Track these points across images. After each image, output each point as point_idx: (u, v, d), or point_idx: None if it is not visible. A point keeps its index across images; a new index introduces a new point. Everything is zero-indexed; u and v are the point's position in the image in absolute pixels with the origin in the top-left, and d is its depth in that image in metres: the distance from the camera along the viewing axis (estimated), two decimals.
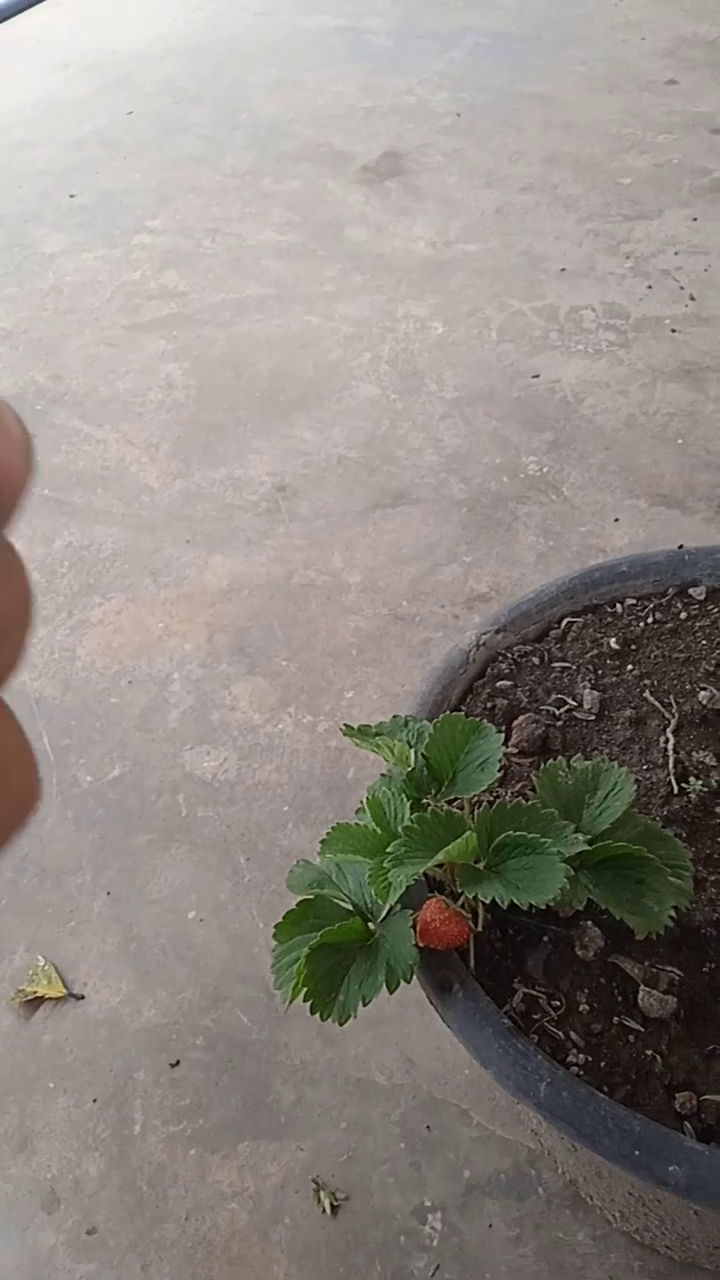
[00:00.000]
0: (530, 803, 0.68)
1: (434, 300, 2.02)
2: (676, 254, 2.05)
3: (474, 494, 1.60)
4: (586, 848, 0.66)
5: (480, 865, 0.66)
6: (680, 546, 0.94)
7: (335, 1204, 0.93)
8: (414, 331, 1.95)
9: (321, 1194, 0.94)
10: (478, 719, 0.73)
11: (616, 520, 1.53)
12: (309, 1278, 0.90)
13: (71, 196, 2.52)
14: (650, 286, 1.98)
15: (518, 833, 0.65)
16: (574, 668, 0.88)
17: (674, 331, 1.87)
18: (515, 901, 0.62)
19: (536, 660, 0.89)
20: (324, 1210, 0.93)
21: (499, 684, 0.87)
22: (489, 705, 0.86)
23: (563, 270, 2.05)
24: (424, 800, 0.71)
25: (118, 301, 2.14)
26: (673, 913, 0.67)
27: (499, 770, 0.71)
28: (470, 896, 0.69)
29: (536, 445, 1.67)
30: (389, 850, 0.65)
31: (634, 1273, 0.88)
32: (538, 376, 1.80)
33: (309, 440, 1.75)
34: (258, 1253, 0.92)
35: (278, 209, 2.37)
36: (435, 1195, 0.94)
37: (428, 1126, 0.98)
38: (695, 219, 2.14)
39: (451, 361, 1.87)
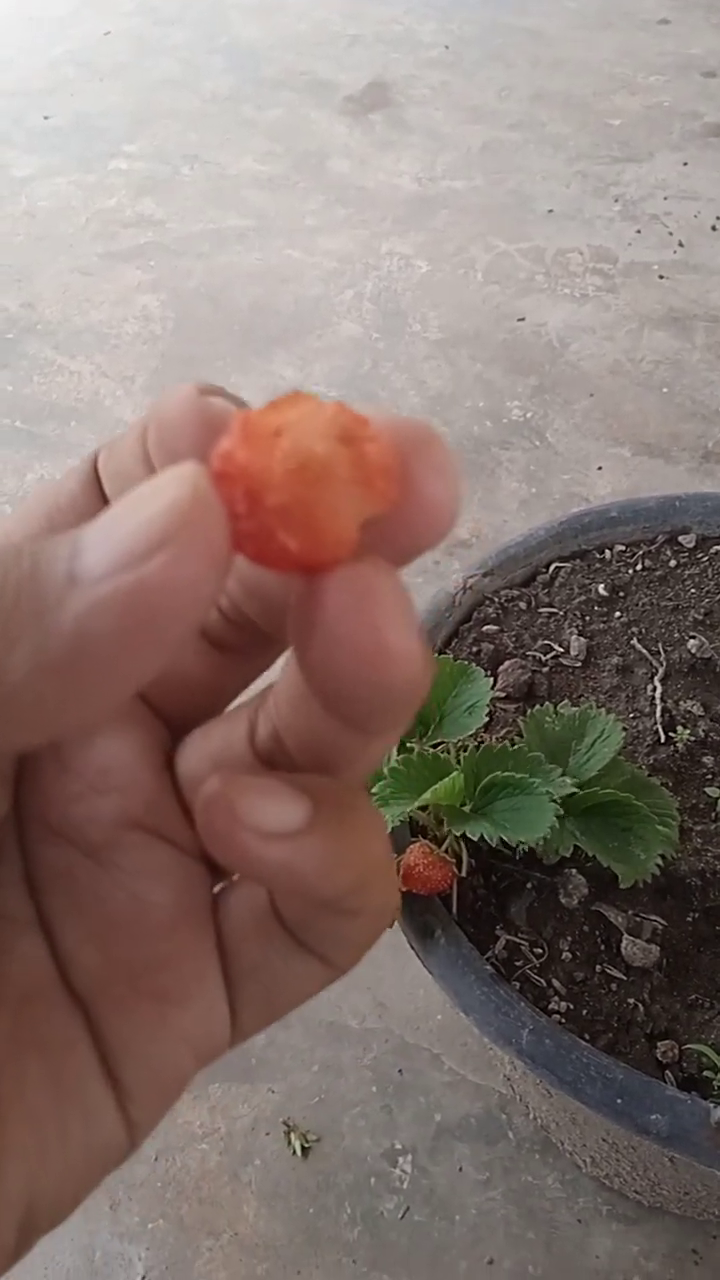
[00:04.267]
0: (517, 746, 0.67)
1: (419, 238, 1.97)
2: (666, 199, 2.01)
3: (457, 438, 1.57)
4: (575, 790, 0.64)
5: (467, 808, 0.65)
6: None
7: (306, 1146, 0.93)
8: (398, 269, 1.90)
9: (292, 1136, 0.93)
10: (465, 662, 0.71)
11: (600, 468, 1.51)
12: (279, 1218, 0.90)
13: (45, 118, 2.43)
14: (639, 231, 1.94)
15: (505, 773, 0.63)
16: (561, 614, 0.86)
17: (662, 278, 1.83)
18: (504, 840, 0.61)
19: (523, 605, 0.87)
20: (295, 1152, 0.93)
21: (485, 628, 0.85)
22: (475, 649, 0.84)
23: (550, 211, 2.01)
24: (409, 743, 0.69)
25: (92, 229, 2.07)
26: (659, 861, 0.66)
27: (485, 715, 0.69)
28: (456, 839, 0.68)
29: (521, 390, 1.64)
30: (374, 791, 0.63)
31: (602, 1217, 0.89)
32: (523, 319, 1.77)
33: (289, 378, 1.71)
34: (228, 1193, 0.92)
35: (258, 138, 2.30)
36: (406, 1138, 0.94)
37: (399, 1070, 0.97)
38: (686, 163, 2.10)
39: (435, 301, 1.82)
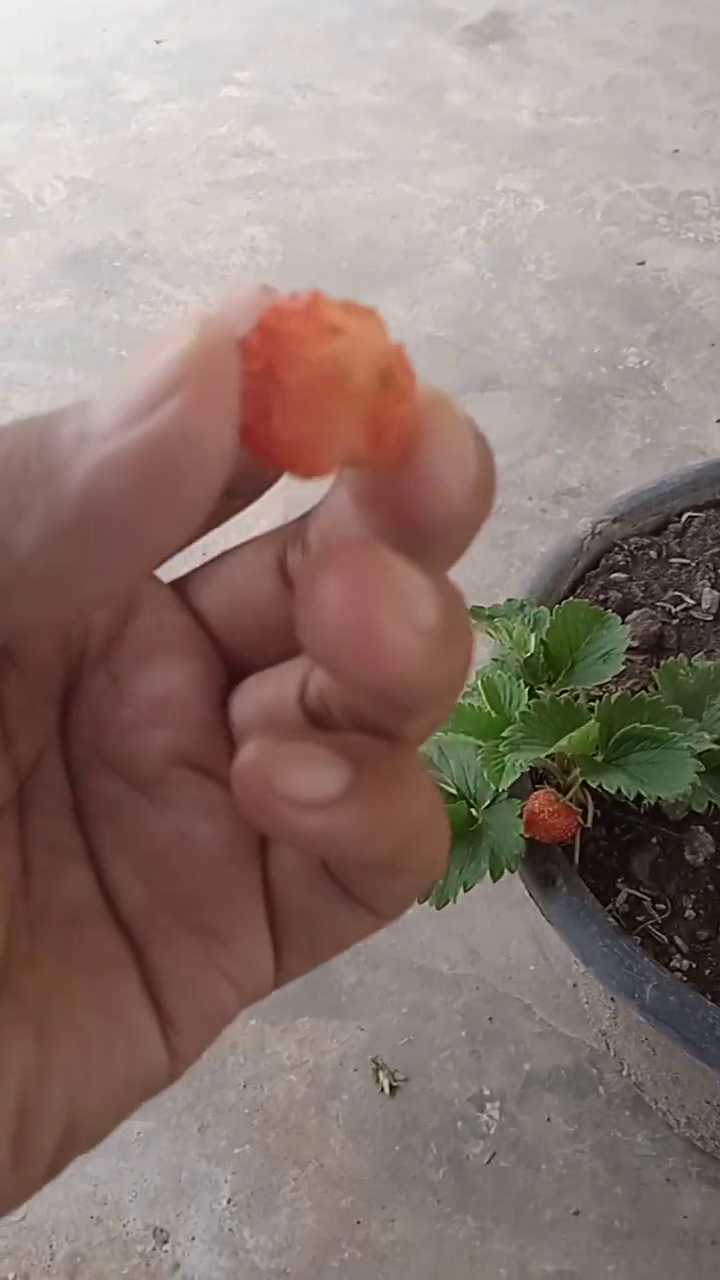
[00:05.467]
0: (653, 697, 0.65)
1: (536, 175, 1.91)
2: None
3: (569, 383, 1.52)
4: (714, 746, 0.62)
5: (600, 758, 0.63)
6: None
7: (394, 1085, 0.93)
8: (513, 207, 1.84)
9: (380, 1074, 0.93)
10: (600, 609, 0.69)
11: (718, 421, 1.46)
12: (364, 1153, 0.90)
13: (158, 43, 2.39)
14: None
15: (644, 725, 0.61)
16: (693, 565, 0.83)
17: None
18: (642, 794, 0.59)
19: (654, 554, 0.84)
20: (382, 1090, 0.93)
21: (613, 576, 0.83)
22: (602, 597, 0.81)
23: (675, 151, 1.93)
24: (538, 689, 0.67)
25: (202, 157, 2.04)
26: None
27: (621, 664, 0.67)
28: (581, 788, 0.66)
29: (638, 336, 1.59)
30: (505, 735, 0.62)
31: (692, 1178, 0.88)
32: (643, 263, 1.71)
33: (398, 316, 1.67)
34: (314, 1124, 0.92)
35: (374, 68, 2.24)
36: (494, 1085, 0.93)
37: (489, 1018, 0.97)
38: None
39: (551, 241, 1.77)
